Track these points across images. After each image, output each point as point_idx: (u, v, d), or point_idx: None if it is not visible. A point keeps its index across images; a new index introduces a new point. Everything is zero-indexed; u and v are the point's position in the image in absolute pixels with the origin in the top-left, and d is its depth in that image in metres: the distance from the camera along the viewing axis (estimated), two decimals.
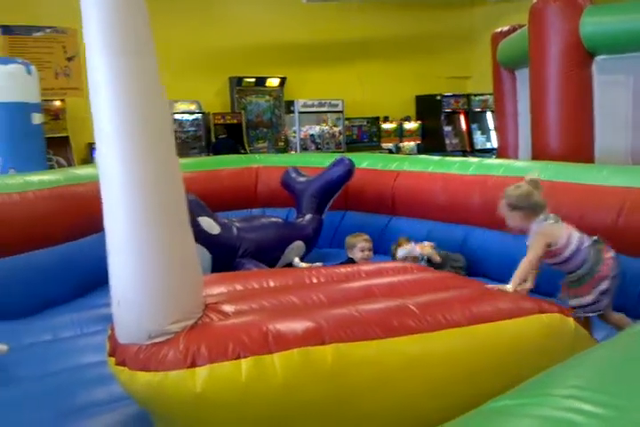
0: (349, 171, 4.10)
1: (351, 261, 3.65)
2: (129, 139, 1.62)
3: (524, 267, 2.42)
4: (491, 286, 2.38)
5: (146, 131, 1.64)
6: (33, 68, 4.88)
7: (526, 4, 5.93)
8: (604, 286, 2.49)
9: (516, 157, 6.16)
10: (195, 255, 1.82)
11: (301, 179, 4.23)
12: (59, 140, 7.30)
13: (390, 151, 9.71)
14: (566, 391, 0.91)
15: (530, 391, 0.96)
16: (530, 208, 2.53)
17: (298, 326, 1.70)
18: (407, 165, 4.32)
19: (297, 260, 3.84)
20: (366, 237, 3.70)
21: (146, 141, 1.64)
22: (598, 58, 4.72)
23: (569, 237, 2.51)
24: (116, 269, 1.69)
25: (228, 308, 1.85)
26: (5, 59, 4.90)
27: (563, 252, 2.50)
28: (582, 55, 4.69)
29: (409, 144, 10.15)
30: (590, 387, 0.93)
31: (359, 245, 3.62)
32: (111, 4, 1.60)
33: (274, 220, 4.03)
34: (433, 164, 4.20)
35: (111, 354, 1.78)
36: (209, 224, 3.43)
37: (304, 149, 9.25)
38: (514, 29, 6.44)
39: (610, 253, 2.54)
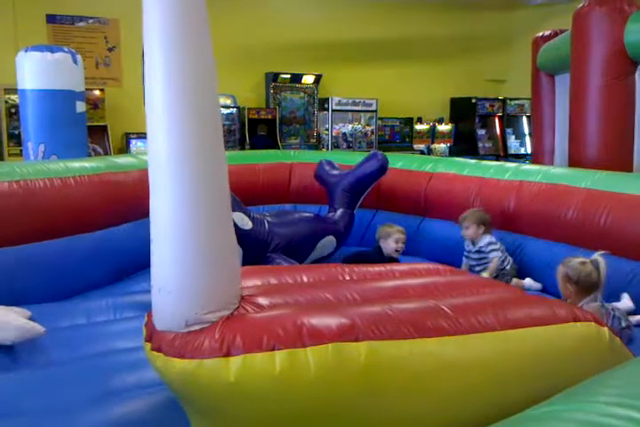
0: (382, 166, 4.08)
1: (379, 250, 3.65)
2: (181, 130, 1.65)
3: None
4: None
5: (199, 123, 1.66)
6: (79, 57, 4.97)
7: (566, 9, 5.86)
8: None
9: (551, 163, 6.09)
10: (235, 247, 1.85)
11: (335, 172, 4.23)
12: (97, 129, 7.44)
13: (422, 153, 9.67)
14: (610, 399, 0.91)
15: (573, 398, 0.96)
16: (584, 287, 2.66)
17: (332, 321, 1.71)
18: (442, 167, 4.31)
19: None
20: (402, 229, 3.71)
21: (197, 133, 1.67)
22: None
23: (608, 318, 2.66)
24: (159, 256, 1.72)
25: (262, 300, 1.87)
26: (53, 47, 4.99)
27: None
28: (625, 63, 4.62)
29: (440, 146, 10.09)
30: (633, 394, 0.92)
31: (395, 236, 3.62)
32: (174, 8, 1.62)
33: (305, 215, 4.04)
34: (469, 167, 4.17)
35: (148, 340, 1.82)
36: (242, 219, 3.46)
37: (335, 146, 9.26)
38: (555, 34, 6.36)
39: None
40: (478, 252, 3.68)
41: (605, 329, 2.01)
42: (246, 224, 3.50)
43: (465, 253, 3.79)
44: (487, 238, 3.65)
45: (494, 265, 3.57)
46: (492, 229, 3.71)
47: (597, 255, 2.72)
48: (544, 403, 0.96)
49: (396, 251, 3.65)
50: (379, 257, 3.66)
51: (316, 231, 3.87)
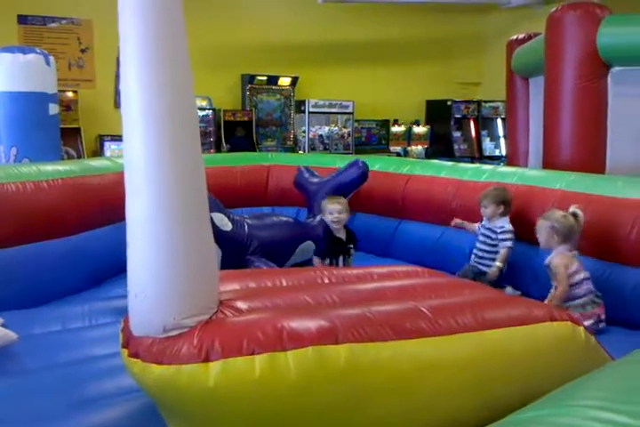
0: (363, 174, 4.11)
1: (323, 222, 3.68)
2: (158, 132, 1.63)
3: (561, 290, 2.95)
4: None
5: (175, 125, 1.65)
6: (52, 58, 4.89)
7: (540, 12, 5.95)
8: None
9: (525, 164, 6.17)
10: (213, 251, 1.83)
11: (314, 179, 4.24)
12: (70, 132, 7.31)
13: (398, 154, 9.71)
14: (593, 402, 0.92)
15: (556, 402, 0.96)
16: (566, 236, 3.02)
17: (312, 324, 1.71)
18: (419, 170, 4.33)
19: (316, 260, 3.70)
20: (339, 199, 3.61)
21: (174, 135, 1.65)
22: (614, 69, 4.72)
23: (577, 271, 3.00)
24: (135, 260, 1.70)
25: (241, 305, 1.86)
26: (25, 48, 4.90)
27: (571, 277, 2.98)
28: (598, 66, 4.70)
29: (417, 148, 10.15)
30: (615, 398, 0.93)
31: (328, 207, 3.55)
32: (150, 10, 1.60)
33: (285, 219, 4.04)
34: (446, 169, 4.20)
35: (124, 346, 1.79)
36: (221, 220, 3.44)
37: (312, 149, 9.25)
38: (529, 37, 6.45)
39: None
40: (490, 230, 3.55)
41: (581, 328, 2.04)
42: (226, 225, 3.48)
43: (479, 232, 3.64)
44: (502, 222, 3.53)
45: (505, 254, 3.46)
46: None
47: (573, 208, 3.09)
48: (527, 407, 0.97)
49: (334, 222, 3.53)
50: (322, 231, 3.67)
51: (296, 236, 3.87)
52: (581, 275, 3.01)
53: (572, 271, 2.98)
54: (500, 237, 3.53)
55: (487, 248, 3.60)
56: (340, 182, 4.13)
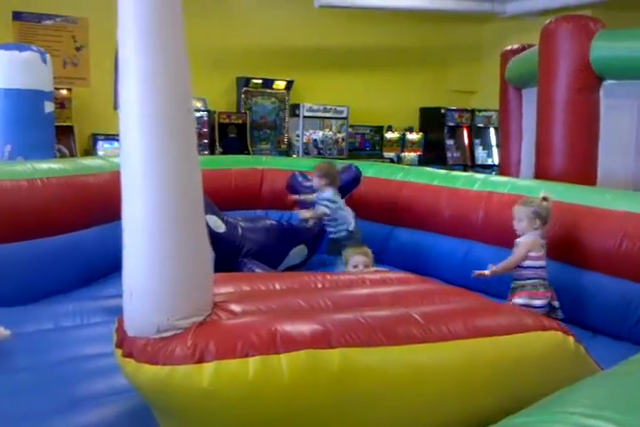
0: (356, 178, 4.15)
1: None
2: (156, 133, 1.64)
3: (511, 262, 3.13)
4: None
5: (172, 126, 1.66)
6: (48, 56, 4.88)
7: (535, 24, 6.00)
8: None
9: (517, 174, 6.22)
10: (208, 253, 1.84)
11: (308, 184, 4.26)
12: (63, 129, 7.29)
13: (392, 161, 9.75)
14: (579, 409, 0.94)
15: (547, 409, 0.98)
16: (544, 221, 3.13)
17: (305, 328, 1.72)
18: (413, 177, 4.36)
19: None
20: (366, 250, 3.19)
21: (172, 137, 1.66)
22: (606, 82, 4.78)
23: (539, 257, 3.12)
24: (131, 261, 1.71)
25: (235, 307, 1.87)
26: (21, 46, 4.89)
27: (531, 260, 3.13)
28: (591, 79, 4.76)
29: (410, 155, 10.19)
30: (603, 406, 0.95)
31: (352, 259, 3.11)
32: (150, 11, 1.61)
33: (279, 222, 4.06)
34: (438, 177, 4.24)
35: (118, 346, 1.79)
36: (215, 222, 3.45)
37: (306, 153, 9.27)
38: (523, 48, 6.51)
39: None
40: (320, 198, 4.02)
41: (571, 338, 2.07)
42: (219, 227, 3.50)
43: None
44: (326, 193, 3.99)
45: (315, 213, 3.99)
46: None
47: (544, 193, 3.21)
48: (518, 414, 0.98)
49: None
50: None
51: (289, 239, 3.88)
52: (540, 262, 3.12)
53: (534, 255, 3.11)
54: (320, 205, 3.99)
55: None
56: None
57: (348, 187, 4.18)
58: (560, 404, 1.00)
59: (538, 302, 3.05)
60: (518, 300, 3.08)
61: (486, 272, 3.11)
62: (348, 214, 4.02)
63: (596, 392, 1.07)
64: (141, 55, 1.63)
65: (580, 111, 4.73)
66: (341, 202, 4.05)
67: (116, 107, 1.75)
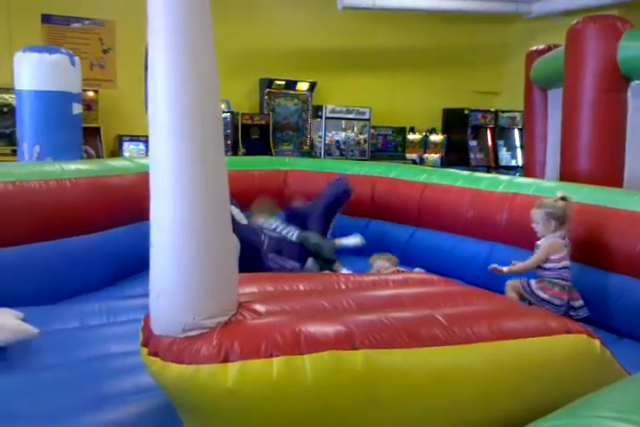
0: (347, 190, 4.18)
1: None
2: (184, 134, 1.66)
3: (529, 263, 3.12)
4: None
5: (201, 128, 1.68)
6: (77, 58, 4.97)
7: (561, 24, 5.94)
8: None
9: (542, 175, 6.15)
10: (233, 253, 1.86)
11: (304, 206, 4.34)
12: (89, 131, 7.40)
13: (414, 162, 9.72)
14: (607, 413, 0.93)
15: (574, 413, 0.97)
16: (561, 221, 3.09)
17: (329, 329, 1.73)
18: (436, 178, 4.34)
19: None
20: (389, 255, 3.55)
21: (200, 138, 1.68)
22: (634, 83, 4.71)
23: (562, 258, 3.09)
24: (158, 261, 1.73)
25: (260, 307, 1.88)
26: (51, 48, 4.99)
27: (552, 262, 3.12)
28: (618, 79, 4.69)
29: (432, 156, 10.14)
30: (632, 410, 0.94)
31: (375, 264, 3.49)
32: (179, 13, 1.63)
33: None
34: (462, 178, 4.21)
35: (144, 344, 1.82)
36: (238, 214, 3.54)
37: (328, 154, 9.29)
38: (549, 48, 6.44)
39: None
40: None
41: (597, 341, 2.04)
42: (242, 219, 3.58)
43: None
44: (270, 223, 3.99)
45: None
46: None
47: (561, 193, 3.18)
48: (546, 418, 0.97)
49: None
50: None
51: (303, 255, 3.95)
52: (562, 263, 3.09)
53: (555, 258, 3.09)
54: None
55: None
56: (327, 201, 4.21)
57: (338, 199, 4.21)
58: (589, 408, 0.99)
59: (555, 301, 3.06)
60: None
61: (504, 268, 3.12)
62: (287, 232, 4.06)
63: (624, 397, 1.05)
64: (170, 55, 1.64)
65: (606, 112, 4.67)
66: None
67: (147, 109, 1.77)
